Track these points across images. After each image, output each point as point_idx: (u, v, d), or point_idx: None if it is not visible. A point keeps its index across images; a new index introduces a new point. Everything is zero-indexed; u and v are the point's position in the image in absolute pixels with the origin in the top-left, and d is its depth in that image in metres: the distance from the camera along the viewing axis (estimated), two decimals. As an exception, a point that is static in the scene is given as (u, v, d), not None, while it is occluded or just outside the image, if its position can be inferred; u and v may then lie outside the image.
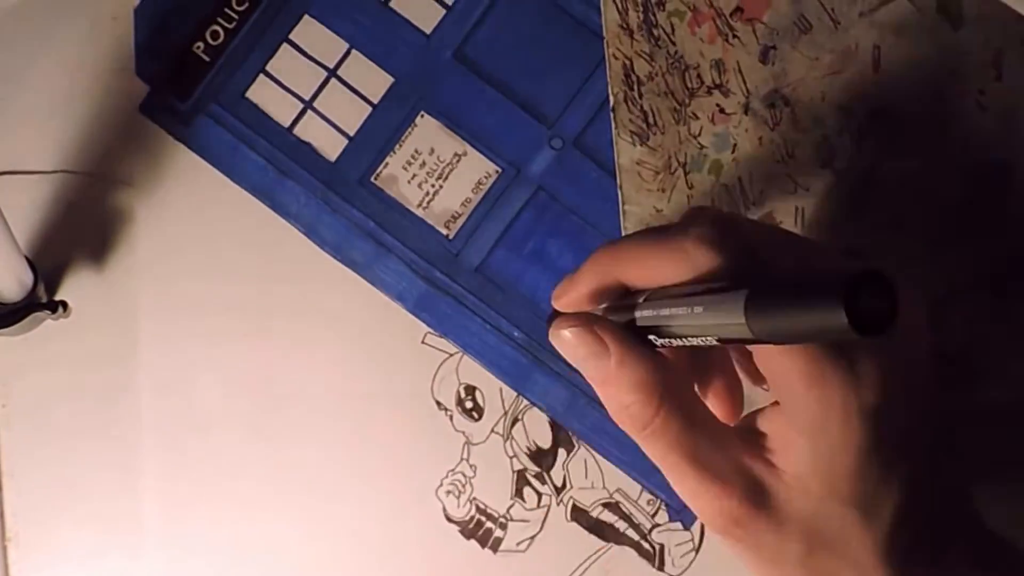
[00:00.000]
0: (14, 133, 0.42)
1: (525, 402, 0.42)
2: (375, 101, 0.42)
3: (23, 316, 0.39)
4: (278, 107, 0.42)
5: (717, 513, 0.31)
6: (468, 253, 0.42)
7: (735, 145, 0.41)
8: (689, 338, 0.29)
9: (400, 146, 0.42)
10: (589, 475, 0.42)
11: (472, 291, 0.42)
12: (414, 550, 0.42)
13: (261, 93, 0.42)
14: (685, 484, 0.31)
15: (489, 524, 0.42)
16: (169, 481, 0.42)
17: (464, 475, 0.42)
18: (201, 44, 0.42)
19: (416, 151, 0.42)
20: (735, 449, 0.31)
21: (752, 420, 0.32)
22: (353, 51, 0.42)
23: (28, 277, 0.39)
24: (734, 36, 0.40)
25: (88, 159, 0.42)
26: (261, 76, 0.42)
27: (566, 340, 0.33)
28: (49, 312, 0.41)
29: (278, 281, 0.42)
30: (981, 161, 0.40)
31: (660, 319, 0.30)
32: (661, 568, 0.42)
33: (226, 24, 0.42)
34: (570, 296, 0.34)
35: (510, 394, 0.42)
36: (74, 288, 0.42)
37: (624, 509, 0.42)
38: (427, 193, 0.42)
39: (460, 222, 0.42)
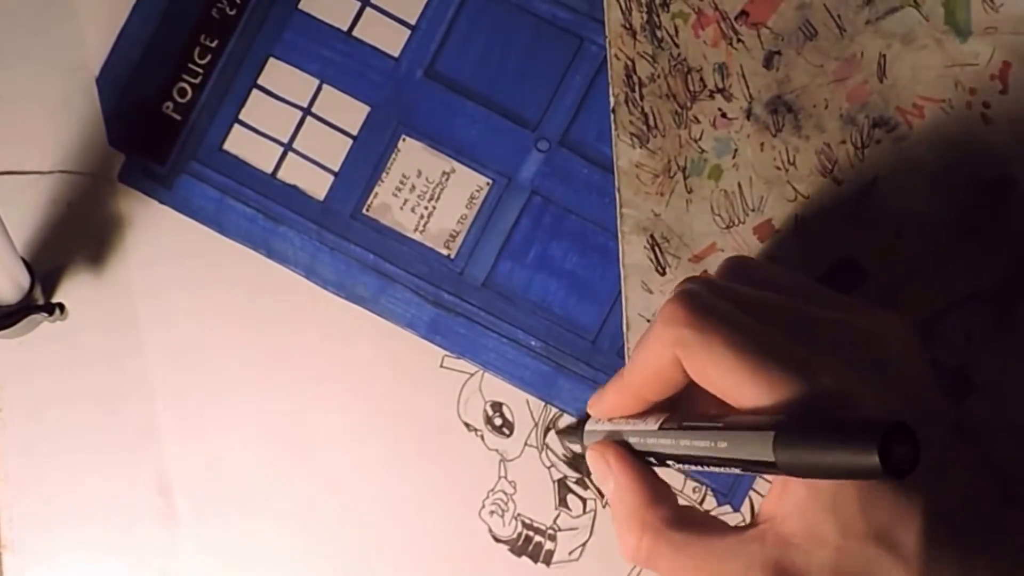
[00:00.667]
0: (11, 134, 0.41)
1: (554, 410, 0.42)
2: (355, 132, 0.41)
3: (19, 318, 0.39)
4: (258, 154, 0.41)
5: None
6: (472, 270, 0.41)
7: (736, 150, 0.40)
8: (708, 467, 0.31)
9: (387, 173, 0.41)
10: (630, 472, 0.42)
11: (482, 307, 0.41)
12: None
13: (239, 143, 0.41)
14: None
15: (538, 538, 0.41)
16: (170, 489, 0.41)
17: (505, 493, 0.41)
18: (170, 103, 0.41)
19: (404, 176, 0.41)
20: (742, 543, 0.30)
21: (753, 516, 0.31)
22: (324, 86, 0.41)
23: (24, 279, 0.38)
24: (738, 40, 0.40)
25: (86, 159, 0.41)
26: (236, 126, 0.41)
27: (588, 457, 0.35)
28: (46, 314, 0.40)
29: (285, 327, 0.41)
30: (984, 174, 0.39)
31: (680, 448, 0.32)
32: (717, 554, 0.41)
33: (192, 80, 0.41)
34: (596, 408, 0.36)
35: (538, 404, 0.42)
36: (71, 290, 0.41)
37: (670, 500, 0.41)
38: (421, 216, 0.41)
39: (459, 240, 0.41)
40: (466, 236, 0.41)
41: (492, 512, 0.41)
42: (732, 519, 0.41)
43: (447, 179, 0.41)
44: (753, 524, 0.31)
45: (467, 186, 0.41)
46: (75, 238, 0.41)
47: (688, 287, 0.32)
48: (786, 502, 0.30)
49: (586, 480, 0.42)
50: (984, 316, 0.39)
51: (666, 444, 0.32)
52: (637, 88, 0.40)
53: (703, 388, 0.31)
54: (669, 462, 0.33)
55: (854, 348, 0.31)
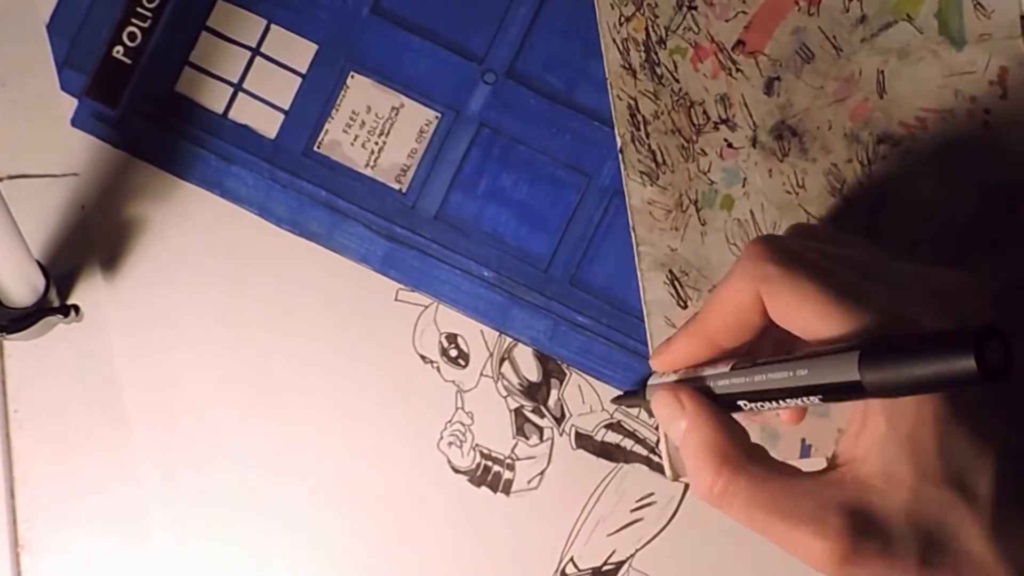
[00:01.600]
0: (25, 137, 0.42)
1: (509, 340, 0.42)
2: (303, 71, 0.42)
3: (35, 321, 0.39)
4: (209, 95, 0.42)
5: (820, 558, 0.29)
6: (424, 203, 0.42)
7: (745, 179, 0.40)
8: (786, 400, 0.31)
9: (336, 110, 0.42)
10: (586, 400, 0.42)
11: (435, 240, 0.42)
12: (427, 507, 0.42)
13: (190, 84, 0.42)
14: (778, 537, 0.30)
15: (497, 468, 0.42)
16: (178, 484, 0.42)
17: (463, 424, 0.42)
18: (120, 48, 0.42)
19: (353, 112, 0.42)
20: (820, 486, 0.30)
21: (830, 459, 0.31)
22: (272, 26, 0.42)
23: (40, 281, 0.39)
24: (737, 70, 0.40)
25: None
26: (186, 68, 0.42)
27: (653, 403, 0.35)
28: (61, 316, 0.40)
29: (240, 266, 0.42)
30: (990, 179, 0.40)
31: (754, 385, 0.31)
32: (676, 478, 0.41)
33: (141, 24, 0.42)
34: (662, 358, 0.35)
35: (492, 335, 0.42)
36: (85, 292, 0.42)
37: (627, 427, 0.42)
38: (372, 152, 0.42)
39: (410, 174, 0.42)
40: (417, 170, 0.42)
41: (451, 443, 0.42)
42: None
43: (396, 114, 0.42)
44: (831, 467, 0.30)
45: (416, 120, 0.42)
46: (89, 240, 0.42)
47: (765, 235, 0.33)
48: (863, 443, 0.29)
49: (542, 409, 0.42)
50: (1003, 322, 0.39)
51: (740, 383, 0.32)
52: (642, 126, 0.40)
53: (772, 340, 0.32)
54: (741, 403, 0.32)
55: (931, 294, 0.31)
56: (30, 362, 0.42)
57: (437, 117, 0.42)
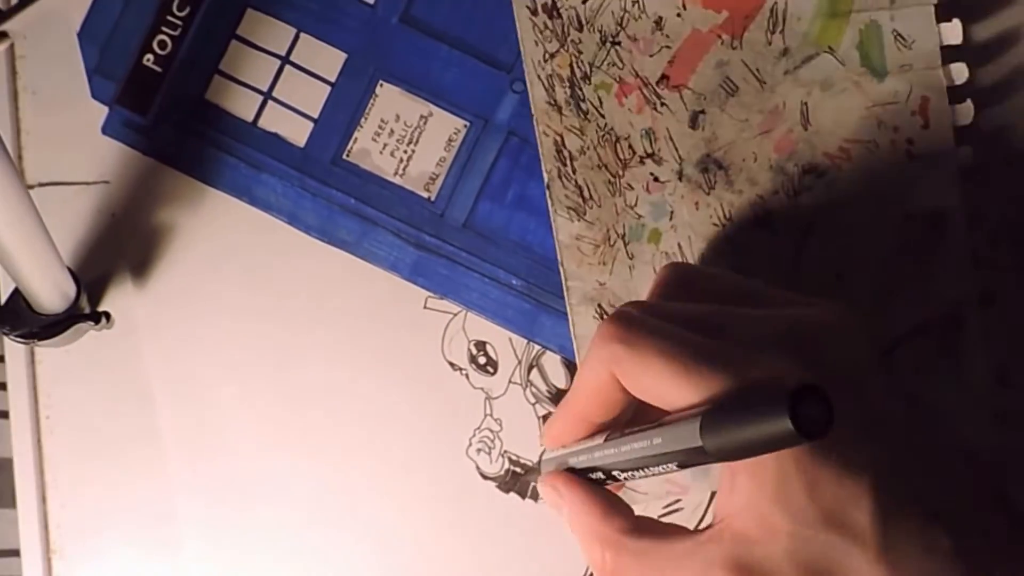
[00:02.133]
0: (56, 145, 0.42)
1: (537, 347, 0.42)
2: (332, 79, 0.42)
3: (66, 327, 0.39)
4: (239, 103, 0.42)
5: None
6: (452, 211, 0.42)
7: (672, 212, 0.40)
8: (650, 468, 0.31)
9: (366, 119, 0.42)
10: (613, 407, 0.42)
11: (463, 248, 0.42)
12: (456, 514, 0.42)
13: (220, 93, 0.42)
14: None
15: (525, 474, 0.42)
16: (208, 488, 0.42)
17: (491, 431, 0.42)
18: (151, 56, 0.42)
19: (383, 120, 0.42)
20: (699, 545, 0.30)
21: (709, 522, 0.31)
22: (302, 35, 0.42)
23: (71, 288, 0.39)
24: (662, 104, 0.40)
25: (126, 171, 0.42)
26: (216, 76, 0.42)
27: (540, 490, 0.37)
28: (92, 323, 0.41)
29: (269, 274, 0.42)
30: (916, 209, 0.40)
31: (621, 455, 0.32)
32: (705, 473, 0.42)
33: (171, 32, 0.42)
34: (547, 438, 0.37)
35: (520, 342, 0.42)
36: (116, 299, 0.42)
37: (654, 434, 0.42)
38: (401, 160, 0.42)
39: (439, 182, 0.42)
40: (445, 178, 0.42)
41: (479, 450, 0.42)
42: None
43: (425, 123, 0.42)
44: (709, 526, 0.31)
45: (445, 129, 0.42)
46: (120, 247, 0.42)
47: (620, 309, 0.33)
48: (736, 498, 0.29)
49: (570, 415, 0.42)
50: (930, 349, 0.40)
51: (610, 454, 0.33)
52: (568, 162, 0.40)
53: (649, 405, 0.32)
54: (616, 473, 0.33)
55: (786, 338, 0.31)
56: (61, 368, 0.42)
57: (466, 126, 0.42)
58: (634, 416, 0.35)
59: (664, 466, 0.31)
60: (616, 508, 0.34)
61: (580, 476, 0.35)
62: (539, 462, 0.39)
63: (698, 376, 0.29)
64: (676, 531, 0.32)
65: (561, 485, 0.35)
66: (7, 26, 0.41)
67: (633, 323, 0.31)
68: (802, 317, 0.32)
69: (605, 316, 0.40)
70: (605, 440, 0.33)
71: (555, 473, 0.36)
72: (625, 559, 0.32)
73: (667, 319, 0.32)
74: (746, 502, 0.29)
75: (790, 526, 0.28)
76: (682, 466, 0.30)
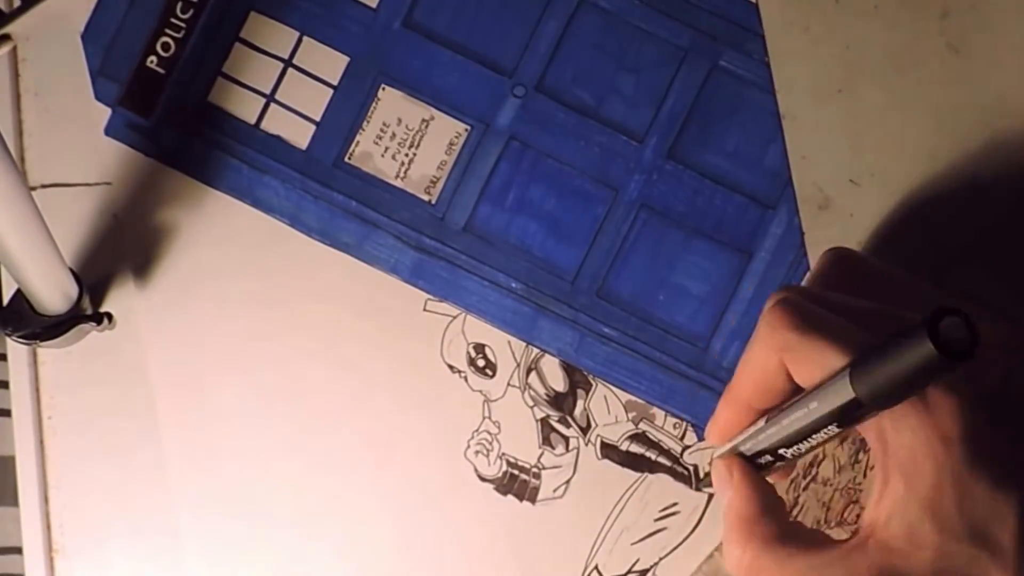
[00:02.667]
0: (59, 146, 0.42)
1: (536, 350, 0.42)
2: (335, 83, 0.42)
3: (68, 328, 0.39)
4: (241, 106, 0.42)
5: None
6: (453, 214, 0.42)
7: None
8: (813, 436, 0.31)
9: (367, 122, 0.42)
10: (611, 410, 0.42)
11: (463, 251, 0.42)
12: (453, 515, 0.42)
13: (223, 95, 0.42)
14: None
15: (523, 476, 0.42)
16: (209, 487, 0.42)
17: (489, 433, 0.42)
18: (154, 58, 0.42)
19: (384, 124, 0.42)
20: (844, 554, 0.30)
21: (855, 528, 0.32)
22: (305, 38, 0.42)
23: (73, 289, 0.39)
24: None
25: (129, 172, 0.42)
26: (219, 79, 0.42)
27: (712, 473, 0.38)
28: (94, 324, 0.41)
29: (269, 275, 0.42)
30: None
31: (783, 430, 0.33)
32: (699, 488, 0.42)
33: (174, 34, 0.42)
34: (712, 433, 0.37)
35: (519, 345, 0.42)
36: (118, 300, 0.42)
37: (652, 437, 0.42)
38: (402, 163, 0.42)
39: (440, 186, 0.42)
40: (446, 182, 0.42)
41: (477, 452, 0.42)
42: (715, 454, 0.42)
43: (426, 126, 0.42)
44: (855, 534, 0.31)
45: (446, 133, 0.42)
46: (122, 248, 0.42)
47: (785, 295, 0.33)
48: (884, 507, 0.30)
49: (568, 419, 0.42)
50: None
51: (773, 432, 0.33)
52: None
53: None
54: (782, 451, 0.34)
55: None
56: (63, 369, 0.42)
57: (467, 130, 0.42)
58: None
59: (825, 431, 0.31)
60: (772, 510, 0.34)
61: (750, 463, 0.35)
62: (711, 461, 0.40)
63: None
64: (822, 540, 0.32)
65: (736, 469, 0.35)
66: (10, 28, 0.42)
67: (806, 313, 0.32)
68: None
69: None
70: (767, 420, 0.34)
71: (731, 457, 0.36)
72: (765, 562, 0.32)
73: (831, 309, 0.32)
74: (896, 510, 0.29)
75: (937, 538, 0.29)
76: (842, 425, 0.30)
